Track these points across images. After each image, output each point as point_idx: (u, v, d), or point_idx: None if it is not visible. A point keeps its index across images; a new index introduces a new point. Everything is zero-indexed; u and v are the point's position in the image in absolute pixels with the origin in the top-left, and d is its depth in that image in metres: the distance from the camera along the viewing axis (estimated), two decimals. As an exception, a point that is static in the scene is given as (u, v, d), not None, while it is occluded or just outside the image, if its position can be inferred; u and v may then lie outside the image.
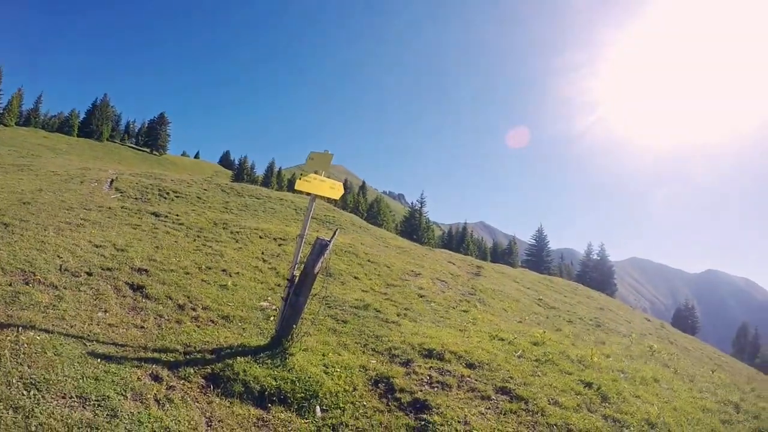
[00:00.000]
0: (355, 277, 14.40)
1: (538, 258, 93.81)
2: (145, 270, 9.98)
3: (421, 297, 13.90)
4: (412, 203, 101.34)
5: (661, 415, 7.52)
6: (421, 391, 6.77)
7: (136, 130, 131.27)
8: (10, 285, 7.54)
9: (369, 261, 17.05)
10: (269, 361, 6.55)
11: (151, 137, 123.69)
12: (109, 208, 16.84)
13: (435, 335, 9.36)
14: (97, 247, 10.94)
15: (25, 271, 8.25)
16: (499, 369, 7.95)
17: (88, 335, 6.51)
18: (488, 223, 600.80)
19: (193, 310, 8.50)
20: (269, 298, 10.29)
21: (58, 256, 9.50)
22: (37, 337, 5.88)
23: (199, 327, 7.73)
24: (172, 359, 6.34)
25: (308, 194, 7.51)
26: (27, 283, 7.78)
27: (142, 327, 7.31)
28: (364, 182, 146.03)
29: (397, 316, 10.98)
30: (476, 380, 7.41)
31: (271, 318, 8.67)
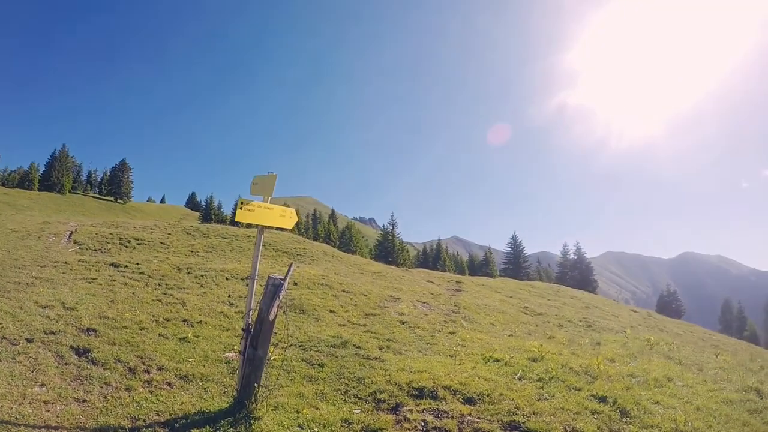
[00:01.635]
0: (331, 311, 13.43)
1: (516, 265, 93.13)
2: (94, 330, 8.98)
3: (403, 324, 12.98)
4: (383, 226, 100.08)
5: (689, 421, 6.83)
6: (416, 443, 5.85)
7: (99, 180, 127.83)
8: (-69, 365, 6.59)
9: (344, 291, 16.10)
10: (231, 429, 5.59)
11: (114, 185, 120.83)
12: (65, 262, 15.70)
13: (424, 368, 8.43)
14: (43, 308, 9.91)
15: (-46, 343, 7.26)
16: (501, 399, 7.07)
17: (16, 418, 5.55)
18: (461, 236, 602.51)
19: (147, 372, 7.48)
20: (236, 347, 9.20)
21: None
22: (-53, 430, 4.91)
23: (152, 393, 6.72)
24: (115, 440, 5.34)
25: (255, 226, 6.65)
26: (-48, 359, 6.80)
27: (84, 401, 6.30)
28: (333, 210, 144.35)
29: (380, 350, 10.02)
30: (479, 418, 6.49)
31: (237, 372, 7.69)
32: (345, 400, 7.14)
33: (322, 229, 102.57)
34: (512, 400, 7.04)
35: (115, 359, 7.72)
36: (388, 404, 6.92)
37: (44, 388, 6.46)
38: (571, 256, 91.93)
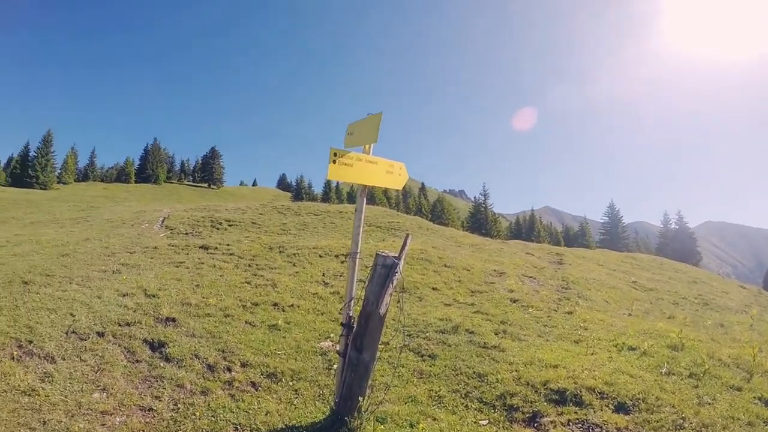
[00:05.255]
0: (434, 288, 12.12)
1: (614, 236, 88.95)
2: (173, 319, 8.01)
3: (515, 302, 11.50)
4: (474, 198, 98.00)
5: None
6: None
7: (192, 168, 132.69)
8: (-8, 361, 5.75)
9: (445, 266, 14.76)
10: (328, 456, 4.26)
11: (206, 172, 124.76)
12: (155, 247, 15.22)
13: (556, 361, 6.92)
14: (123, 296, 9.08)
15: (21, 340, 6.46)
16: (659, 405, 5.50)
17: (64, 437, 4.49)
18: (554, 206, 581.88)
19: (228, 370, 6.37)
20: (332, 335, 8.04)
21: (71, 314, 7.68)
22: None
23: (232, 398, 5.57)
24: (181, 468, 4.19)
25: (358, 187, 5.03)
26: (14, 359, 5.96)
27: (150, 409, 5.22)
28: (423, 183, 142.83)
29: (496, 335, 8.56)
30: (640, 435, 4.95)
31: (335, 367, 6.38)
32: (467, 405, 5.71)
33: (413, 202, 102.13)
34: (672, 406, 5.48)
35: (192, 354, 6.68)
36: (523, 413, 5.46)
37: (105, 394, 5.44)
38: (672, 226, 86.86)
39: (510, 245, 26.83)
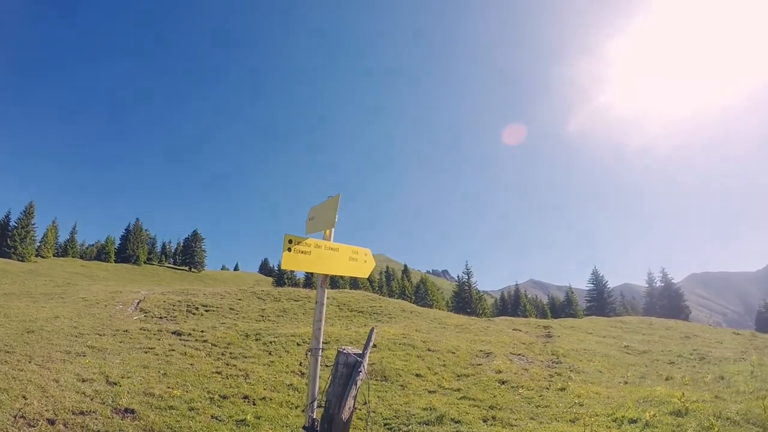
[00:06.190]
0: (417, 375, 11.57)
1: (600, 302, 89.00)
2: (132, 411, 7.53)
3: (503, 384, 10.98)
4: (458, 276, 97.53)
5: None
6: None
7: (173, 250, 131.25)
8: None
9: (429, 350, 14.32)
10: None
11: (187, 255, 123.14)
12: (125, 331, 14.85)
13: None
14: (82, 381, 8.69)
15: (-36, 424, 5.99)
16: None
17: None
18: (538, 279, 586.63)
19: (186, 473, 5.76)
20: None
21: (23, 397, 7.33)
22: None
23: None
24: None
25: (319, 276, 4.46)
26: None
27: None
28: (405, 266, 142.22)
29: (484, 422, 8.00)
30: None
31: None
32: None
33: (396, 285, 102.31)
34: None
35: (147, 456, 6.09)
36: None
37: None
38: (658, 284, 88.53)
39: (496, 322, 26.47)
